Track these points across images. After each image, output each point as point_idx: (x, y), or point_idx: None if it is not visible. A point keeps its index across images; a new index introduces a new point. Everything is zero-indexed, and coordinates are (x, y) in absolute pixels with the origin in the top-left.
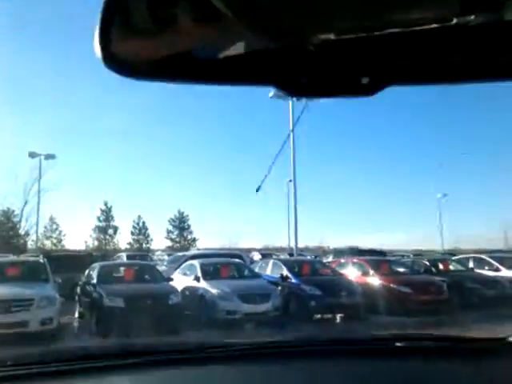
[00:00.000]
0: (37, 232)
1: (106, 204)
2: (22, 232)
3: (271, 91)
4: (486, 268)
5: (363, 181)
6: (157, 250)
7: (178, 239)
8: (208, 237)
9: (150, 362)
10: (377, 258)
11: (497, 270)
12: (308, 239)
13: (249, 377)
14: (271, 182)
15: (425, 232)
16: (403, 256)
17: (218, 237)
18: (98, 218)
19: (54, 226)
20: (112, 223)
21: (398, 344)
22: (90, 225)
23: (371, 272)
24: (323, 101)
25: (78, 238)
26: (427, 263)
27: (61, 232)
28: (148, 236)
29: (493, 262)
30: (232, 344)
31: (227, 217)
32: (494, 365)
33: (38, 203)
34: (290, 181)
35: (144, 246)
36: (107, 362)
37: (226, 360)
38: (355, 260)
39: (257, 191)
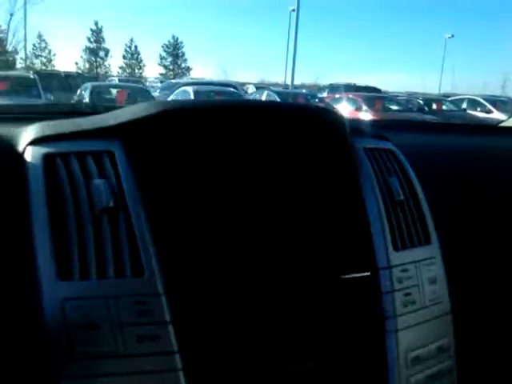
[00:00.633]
0: (25, 48)
1: (96, 24)
2: (9, 48)
3: None
4: (479, 109)
5: (363, 16)
6: (149, 77)
7: (171, 67)
8: (203, 68)
9: None
10: (371, 95)
11: (488, 111)
12: (304, 77)
13: None
14: (272, 12)
15: (423, 77)
16: (398, 96)
17: (212, 68)
18: (89, 39)
19: (43, 45)
20: (103, 45)
21: None
22: (81, 46)
23: (364, 108)
24: None
25: (68, 59)
26: (421, 102)
27: (50, 51)
28: (141, 61)
29: (486, 103)
30: None
31: (223, 48)
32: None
33: (25, 15)
34: (294, 10)
35: (136, 71)
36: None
37: None
38: (350, 95)
39: None
